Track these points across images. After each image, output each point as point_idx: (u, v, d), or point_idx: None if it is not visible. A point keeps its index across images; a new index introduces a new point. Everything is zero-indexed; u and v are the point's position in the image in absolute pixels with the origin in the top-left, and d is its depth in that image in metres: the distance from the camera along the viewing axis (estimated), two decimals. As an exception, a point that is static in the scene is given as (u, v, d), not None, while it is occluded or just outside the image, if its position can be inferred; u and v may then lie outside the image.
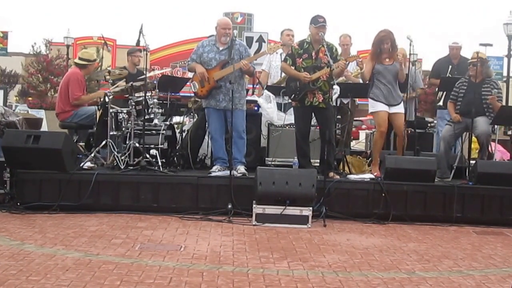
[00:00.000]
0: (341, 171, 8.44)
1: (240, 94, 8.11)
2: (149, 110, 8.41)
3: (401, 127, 8.31)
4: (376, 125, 8.47)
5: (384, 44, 8.19)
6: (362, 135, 19.64)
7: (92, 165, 8.02)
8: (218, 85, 8.02)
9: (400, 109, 8.26)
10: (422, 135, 9.94)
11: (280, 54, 9.48)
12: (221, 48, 8.09)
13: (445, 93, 9.71)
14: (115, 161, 8.04)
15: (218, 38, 8.15)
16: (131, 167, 7.85)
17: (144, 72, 8.42)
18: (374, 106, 8.27)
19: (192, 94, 8.52)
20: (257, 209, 7.07)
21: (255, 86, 9.90)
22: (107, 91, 8.68)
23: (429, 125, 10.50)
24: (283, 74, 9.16)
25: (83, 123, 8.87)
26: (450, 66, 10.10)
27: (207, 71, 8.03)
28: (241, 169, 7.95)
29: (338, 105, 9.11)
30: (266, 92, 9.29)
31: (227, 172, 7.69)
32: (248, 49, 8.42)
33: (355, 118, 13.46)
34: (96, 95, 9.21)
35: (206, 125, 8.54)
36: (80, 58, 9.42)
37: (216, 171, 7.99)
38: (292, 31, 9.84)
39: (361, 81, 9.91)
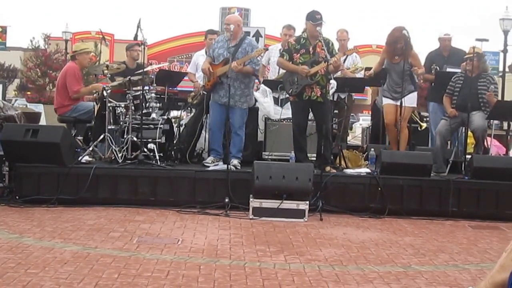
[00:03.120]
0: (338, 165, 8.46)
1: (242, 92, 8.14)
2: (147, 104, 8.43)
3: (391, 118, 8.37)
4: None
5: (398, 44, 8.26)
6: (359, 129, 19.65)
7: (90, 159, 8.04)
8: (220, 80, 8.07)
9: (397, 101, 8.32)
10: (418, 130, 9.95)
11: (279, 50, 9.47)
12: (231, 45, 8.14)
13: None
14: (113, 155, 8.06)
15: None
16: (129, 161, 7.88)
17: (143, 66, 8.44)
18: (383, 101, 8.59)
19: (190, 89, 8.57)
20: (254, 203, 7.10)
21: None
22: (104, 85, 8.68)
23: (425, 119, 10.52)
24: (281, 71, 9.10)
25: (82, 118, 8.89)
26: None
27: (213, 66, 8.12)
28: (234, 161, 8.00)
29: (335, 99, 9.13)
30: (262, 86, 9.31)
31: (222, 165, 7.73)
32: (255, 48, 8.30)
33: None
34: (95, 87, 9.17)
35: (203, 120, 8.56)
36: (73, 52, 9.47)
37: (210, 162, 8.04)
38: (290, 30, 9.78)
39: (358, 76, 9.93)
